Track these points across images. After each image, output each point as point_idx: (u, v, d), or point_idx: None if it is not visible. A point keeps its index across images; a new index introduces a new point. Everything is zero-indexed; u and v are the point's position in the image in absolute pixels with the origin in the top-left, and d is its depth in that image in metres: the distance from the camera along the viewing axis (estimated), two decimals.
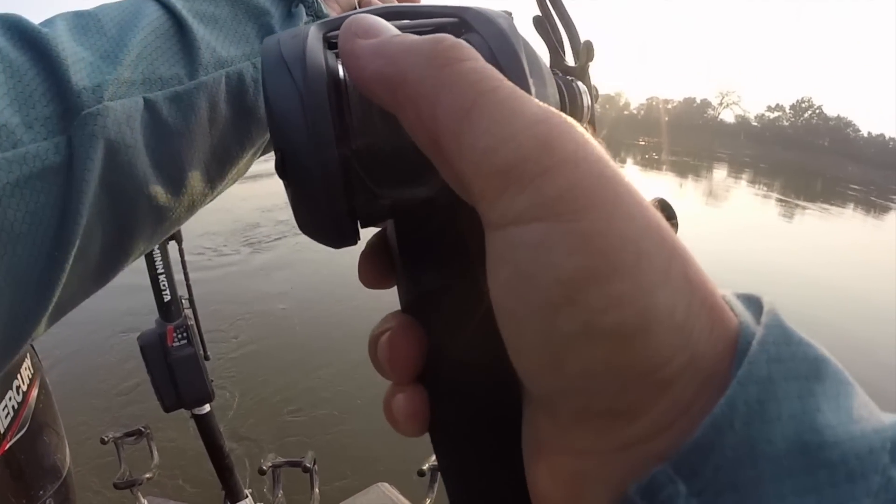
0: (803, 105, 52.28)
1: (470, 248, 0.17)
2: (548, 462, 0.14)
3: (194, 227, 5.86)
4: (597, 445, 0.12)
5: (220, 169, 0.30)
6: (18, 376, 0.40)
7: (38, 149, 0.21)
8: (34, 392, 0.42)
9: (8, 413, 0.38)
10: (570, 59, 0.32)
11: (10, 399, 0.39)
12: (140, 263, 1.32)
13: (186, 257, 1.31)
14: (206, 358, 1.45)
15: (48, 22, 0.25)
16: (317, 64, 0.15)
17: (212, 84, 0.27)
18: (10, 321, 0.22)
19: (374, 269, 0.20)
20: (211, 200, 0.33)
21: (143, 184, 0.25)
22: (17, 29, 0.23)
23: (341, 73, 0.16)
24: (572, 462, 0.13)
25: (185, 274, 1.51)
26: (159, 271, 1.37)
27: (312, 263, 4.54)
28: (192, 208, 0.30)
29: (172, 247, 1.41)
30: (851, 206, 16.78)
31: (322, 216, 0.16)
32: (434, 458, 1.05)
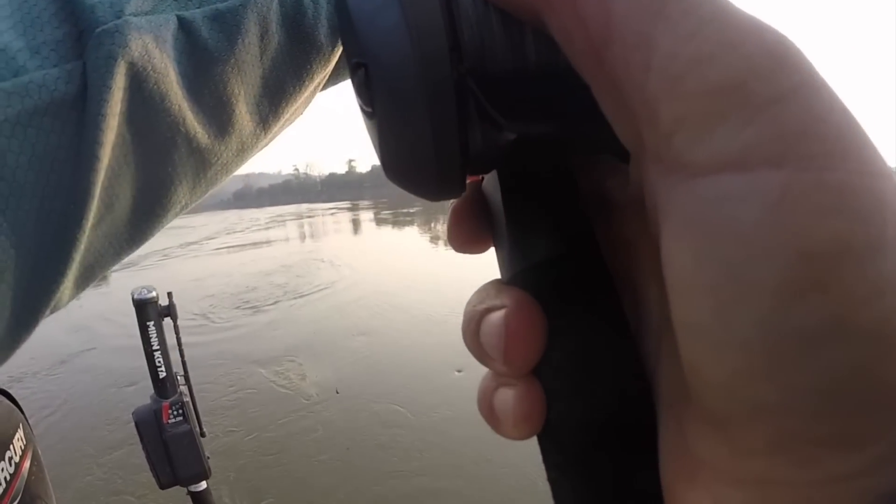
0: None
1: (589, 205, 0.14)
2: (712, 491, 0.11)
3: (194, 292, 6.08)
4: (798, 477, 0.10)
5: (274, 105, 0.25)
6: (11, 447, 0.41)
7: (44, 77, 0.17)
8: (27, 463, 0.42)
9: (0, 484, 0.41)
10: None
11: (2, 470, 0.40)
12: (135, 340, 1.34)
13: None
14: (203, 434, 1.44)
15: None
16: None
17: (262, 3, 0.23)
18: (22, 289, 0.19)
19: (468, 230, 0.17)
20: (265, 145, 0.27)
21: (178, 120, 0.21)
22: None
23: None
24: (752, 495, 0.10)
25: (181, 350, 1.53)
26: (154, 347, 1.39)
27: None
28: (242, 153, 0.25)
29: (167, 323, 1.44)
30: None
31: (426, 155, 0.12)
32: None
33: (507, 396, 0.14)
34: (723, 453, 0.11)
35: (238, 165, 0.26)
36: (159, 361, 1.41)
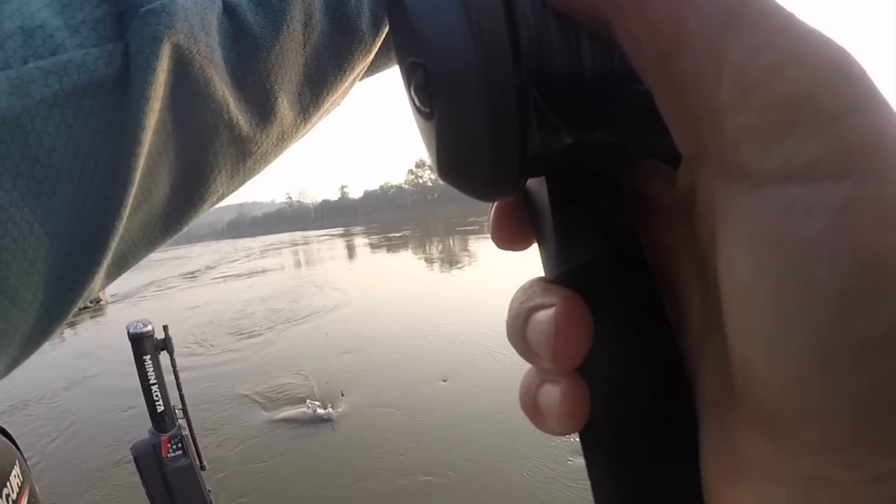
0: None
1: (633, 207, 0.15)
2: (756, 490, 0.11)
3: (192, 319, 6.15)
4: (843, 476, 0.10)
5: (315, 95, 0.25)
6: (7, 484, 0.40)
7: (84, 56, 0.17)
8: (24, 501, 0.42)
9: None
10: None
11: None
12: (133, 381, 1.33)
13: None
14: (203, 468, 1.42)
15: None
16: None
17: None
18: (55, 279, 0.18)
19: (510, 227, 0.17)
20: (304, 135, 0.27)
21: (222, 107, 0.20)
22: None
23: None
24: (797, 493, 0.11)
25: (178, 384, 1.52)
26: (151, 381, 1.38)
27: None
28: (281, 143, 0.25)
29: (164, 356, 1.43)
30: None
31: (485, 158, 0.13)
32: None
33: (553, 393, 0.14)
34: (769, 453, 0.11)
35: (276, 155, 0.25)
36: (157, 395, 1.39)
